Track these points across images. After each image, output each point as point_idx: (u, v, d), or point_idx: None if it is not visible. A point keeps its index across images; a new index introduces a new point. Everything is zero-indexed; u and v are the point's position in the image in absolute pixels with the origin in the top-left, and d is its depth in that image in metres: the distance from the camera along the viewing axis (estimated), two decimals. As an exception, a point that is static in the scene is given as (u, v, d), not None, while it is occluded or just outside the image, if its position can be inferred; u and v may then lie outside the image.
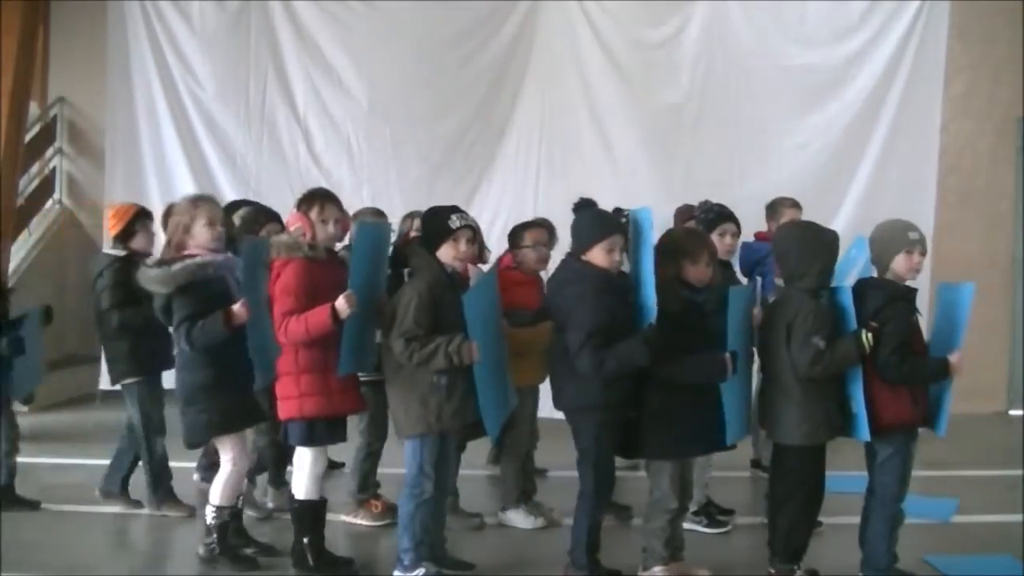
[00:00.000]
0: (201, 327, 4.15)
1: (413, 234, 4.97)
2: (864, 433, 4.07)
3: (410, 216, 5.27)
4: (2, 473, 5.36)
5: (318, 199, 4.32)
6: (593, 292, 4.04)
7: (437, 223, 4.16)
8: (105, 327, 5.18)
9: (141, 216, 5.32)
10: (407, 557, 4.20)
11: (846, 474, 4.84)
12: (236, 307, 4.15)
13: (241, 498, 4.54)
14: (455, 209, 4.23)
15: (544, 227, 5.18)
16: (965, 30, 8.14)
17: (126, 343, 5.11)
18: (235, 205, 5.36)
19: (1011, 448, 6.97)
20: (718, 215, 5.16)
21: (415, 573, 4.18)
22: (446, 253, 4.12)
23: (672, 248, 4.14)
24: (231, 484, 4.40)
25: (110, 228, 5.27)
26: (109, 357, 5.27)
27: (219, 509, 4.39)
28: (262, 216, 5.10)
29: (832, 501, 4.93)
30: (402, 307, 4.03)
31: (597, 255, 4.11)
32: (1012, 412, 8.49)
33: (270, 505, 5.28)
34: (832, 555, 4.52)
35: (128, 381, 5.18)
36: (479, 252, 4.85)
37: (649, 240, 4.08)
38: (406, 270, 4.34)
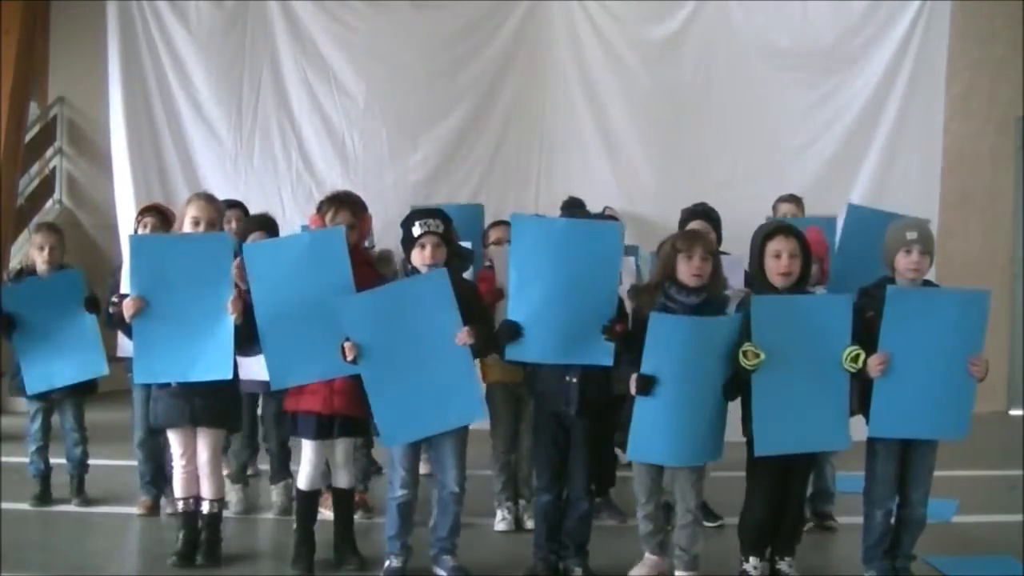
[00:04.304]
0: None
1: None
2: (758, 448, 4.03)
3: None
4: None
5: (332, 205, 4.49)
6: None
7: (403, 230, 4.31)
8: None
9: (144, 214, 5.31)
10: (391, 545, 4.33)
11: (845, 474, 4.85)
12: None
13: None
14: (426, 213, 4.35)
15: (508, 225, 5.19)
16: (965, 30, 8.14)
17: None
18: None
19: (1011, 448, 6.97)
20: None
21: (386, 563, 4.32)
22: (415, 258, 4.25)
23: (665, 252, 4.17)
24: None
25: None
26: None
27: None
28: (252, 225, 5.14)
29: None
30: None
31: None
32: (1012, 412, 8.50)
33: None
34: (832, 555, 4.52)
35: None
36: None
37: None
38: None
